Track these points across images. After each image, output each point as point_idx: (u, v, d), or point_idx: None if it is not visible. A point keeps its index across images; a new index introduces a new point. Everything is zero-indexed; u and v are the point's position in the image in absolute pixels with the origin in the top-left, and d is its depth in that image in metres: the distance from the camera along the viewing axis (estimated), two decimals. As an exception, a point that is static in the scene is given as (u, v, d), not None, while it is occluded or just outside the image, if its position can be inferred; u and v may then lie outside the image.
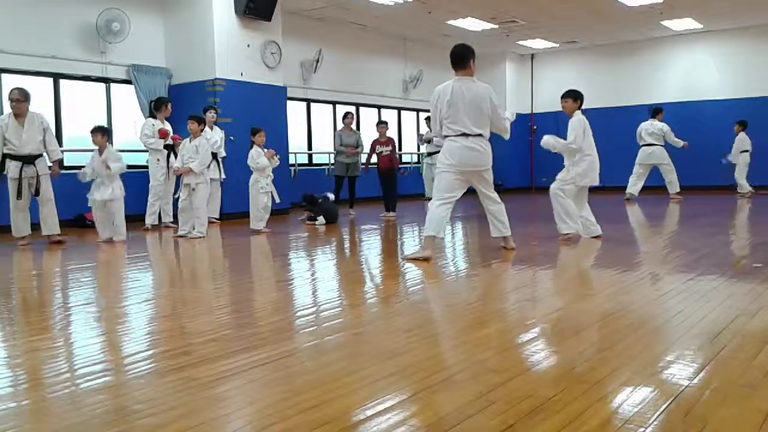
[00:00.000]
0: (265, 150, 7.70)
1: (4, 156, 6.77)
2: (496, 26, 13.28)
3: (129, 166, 7.95)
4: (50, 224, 7.03)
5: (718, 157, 12.84)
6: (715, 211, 9.87)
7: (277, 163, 7.92)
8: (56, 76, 8.94)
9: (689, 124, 13.32)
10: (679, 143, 11.67)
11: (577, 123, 6.32)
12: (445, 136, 5.32)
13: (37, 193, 6.90)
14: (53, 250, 6.69)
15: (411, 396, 2.20)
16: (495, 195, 5.60)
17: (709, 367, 2.42)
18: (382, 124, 10.12)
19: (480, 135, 5.29)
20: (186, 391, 2.28)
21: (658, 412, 1.99)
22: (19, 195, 6.78)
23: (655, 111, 11.88)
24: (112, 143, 7.46)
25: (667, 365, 2.45)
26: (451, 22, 12.81)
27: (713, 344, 2.71)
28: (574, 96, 6.36)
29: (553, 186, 6.37)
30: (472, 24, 13.02)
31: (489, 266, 5.26)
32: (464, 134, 5.25)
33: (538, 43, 15.46)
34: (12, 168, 6.77)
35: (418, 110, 15.03)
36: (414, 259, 5.25)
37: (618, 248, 6.05)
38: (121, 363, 2.76)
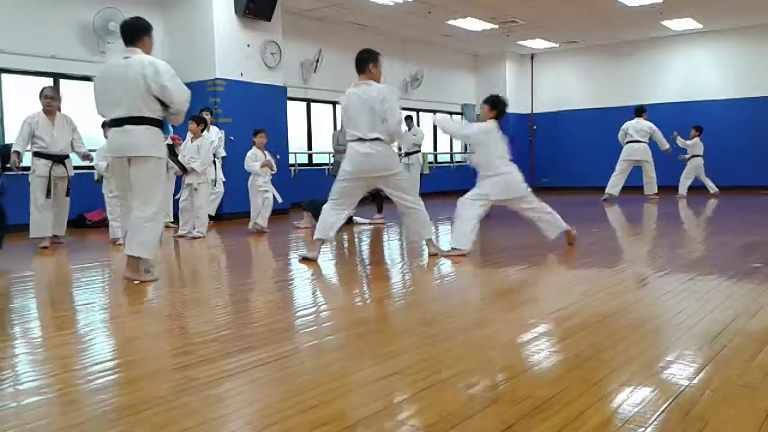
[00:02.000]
0: (266, 156, 7.68)
1: (33, 154, 6.67)
2: (496, 26, 13.28)
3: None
4: (61, 224, 6.98)
5: (716, 156, 12.85)
6: (713, 211, 9.87)
7: (274, 171, 7.96)
8: (56, 76, 8.94)
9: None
10: (666, 145, 11.70)
11: (488, 127, 5.63)
12: (348, 142, 5.28)
13: (67, 193, 6.83)
14: (57, 249, 6.69)
15: (411, 396, 2.20)
16: (411, 200, 5.35)
17: (709, 367, 2.42)
18: None
19: (377, 139, 5.11)
20: (186, 391, 2.28)
21: (658, 412, 1.99)
22: (48, 194, 6.65)
23: (640, 110, 11.90)
24: None
25: (667, 365, 2.45)
26: (451, 22, 12.81)
27: (713, 344, 2.71)
28: (492, 103, 5.67)
29: (463, 198, 5.74)
30: (472, 24, 13.03)
31: (489, 266, 5.26)
32: (360, 139, 5.14)
33: (538, 43, 15.46)
34: (41, 166, 6.65)
35: (418, 110, 15.04)
36: (304, 259, 5.35)
37: (618, 248, 6.05)
38: (121, 363, 2.76)
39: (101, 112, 4.64)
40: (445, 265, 5.22)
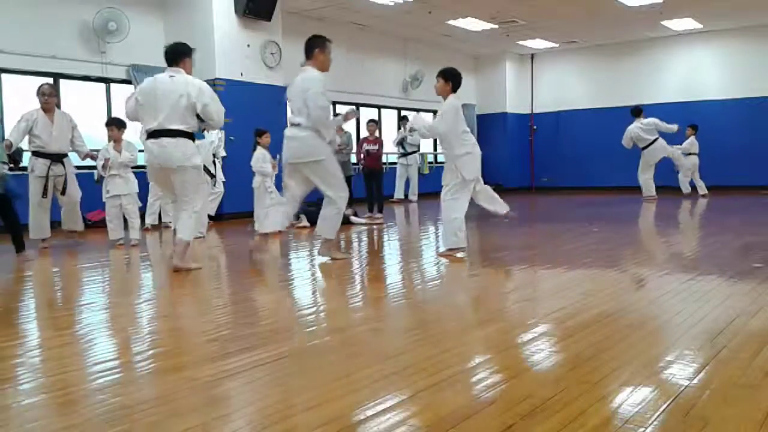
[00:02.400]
0: (271, 160, 7.65)
1: (31, 153, 6.58)
2: (496, 26, 13.28)
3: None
4: (74, 220, 6.94)
5: (716, 156, 12.84)
6: (713, 211, 9.87)
7: (276, 171, 7.95)
8: (56, 76, 8.93)
9: (688, 124, 13.31)
10: (673, 128, 11.70)
11: (449, 107, 5.36)
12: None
13: (63, 192, 6.72)
14: (69, 248, 6.69)
15: (411, 396, 2.20)
16: (332, 193, 5.17)
17: (709, 367, 2.42)
18: (371, 123, 10.11)
19: (299, 125, 5.11)
20: (186, 391, 2.28)
21: (658, 412, 1.99)
22: (44, 193, 6.55)
23: (639, 111, 11.86)
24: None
25: (667, 365, 2.45)
26: (451, 22, 12.82)
27: (713, 344, 2.71)
28: (444, 75, 5.39)
29: (443, 195, 5.50)
30: (472, 24, 13.03)
31: (489, 266, 5.26)
32: (291, 124, 5.24)
33: (538, 43, 15.46)
34: (39, 166, 6.55)
35: (418, 110, 15.02)
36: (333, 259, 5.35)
37: (618, 248, 6.05)
38: (122, 363, 2.76)
39: (137, 119, 5.11)
40: (445, 266, 5.22)
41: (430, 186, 13.18)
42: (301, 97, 5.07)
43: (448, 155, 5.50)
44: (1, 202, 5.73)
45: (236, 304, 4.01)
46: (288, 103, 5.32)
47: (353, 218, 8.59)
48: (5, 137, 6.53)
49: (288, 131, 5.24)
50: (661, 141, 11.70)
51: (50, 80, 8.83)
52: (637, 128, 11.72)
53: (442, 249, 5.62)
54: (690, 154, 12.24)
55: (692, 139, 12.26)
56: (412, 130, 6.11)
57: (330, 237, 5.33)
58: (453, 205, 5.36)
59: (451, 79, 5.39)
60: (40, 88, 6.71)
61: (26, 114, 6.58)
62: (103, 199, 6.90)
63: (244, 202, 7.99)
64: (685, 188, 12.44)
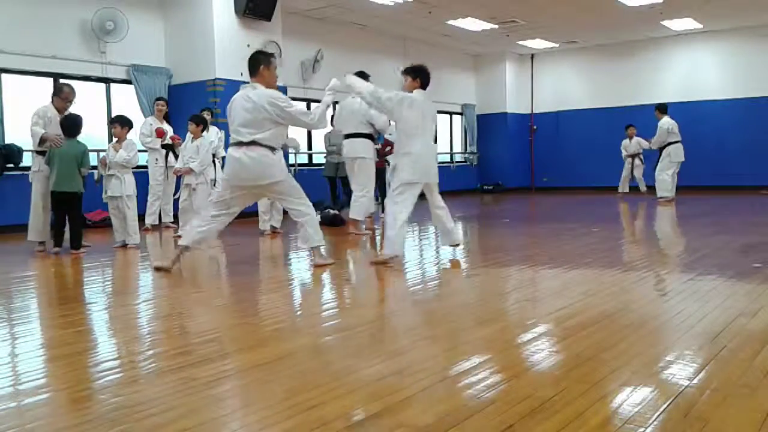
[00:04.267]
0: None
1: (36, 152, 6.44)
2: (496, 26, 13.28)
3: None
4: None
5: (716, 156, 12.84)
6: (713, 211, 9.87)
7: None
8: (56, 76, 8.92)
9: (689, 124, 13.30)
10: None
11: (403, 94, 5.20)
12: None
13: None
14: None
15: (411, 396, 2.20)
16: (297, 205, 5.05)
17: (709, 367, 2.42)
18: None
19: (253, 143, 4.75)
20: (186, 391, 2.28)
21: (658, 412, 1.99)
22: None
23: (666, 107, 11.61)
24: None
25: (667, 365, 2.45)
26: (451, 22, 12.82)
27: (713, 344, 2.71)
28: (410, 72, 5.27)
29: (387, 196, 5.33)
30: (472, 24, 13.03)
31: (489, 266, 5.26)
32: (239, 143, 4.79)
33: (538, 43, 15.46)
34: (46, 166, 6.34)
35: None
36: (158, 269, 5.06)
37: (618, 248, 6.05)
38: (122, 363, 2.76)
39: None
40: (444, 266, 5.22)
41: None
42: (255, 113, 4.73)
43: (396, 153, 5.33)
44: (80, 202, 6.11)
45: (236, 304, 4.01)
46: (231, 121, 4.87)
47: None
48: (39, 133, 6.26)
49: (236, 151, 4.78)
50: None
51: (50, 80, 8.86)
52: (671, 122, 11.30)
53: (380, 255, 5.24)
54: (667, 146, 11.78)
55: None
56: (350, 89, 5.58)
57: (320, 243, 5.15)
58: (393, 208, 5.10)
59: (418, 75, 5.25)
60: (61, 89, 6.54)
61: (40, 111, 6.42)
62: (103, 200, 6.87)
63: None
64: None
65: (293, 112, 4.90)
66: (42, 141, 6.26)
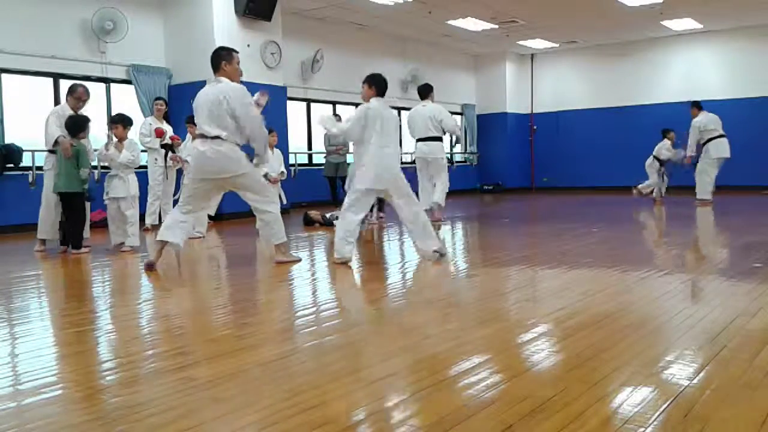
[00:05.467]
0: (272, 177, 7.55)
1: (50, 152, 6.43)
2: (496, 26, 13.28)
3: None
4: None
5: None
6: (713, 210, 9.86)
7: (284, 177, 7.96)
8: (56, 76, 8.93)
9: (689, 124, 13.26)
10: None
11: (357, 111, 5.29)
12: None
13: None
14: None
15: (411, 396, 2.20)
16: (262, 198, 5.11)
17: (709, 367, 2.42)
18: None
19: (218, 138, 4.81)
20: (186, 391, 2.28)
21: (658, 412, 1.99)
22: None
23: (699, 105, 11.04)
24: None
25: (667, 365, 2.45)
26: (451, 22, 12.82)
27: (713, 344, 2.71)
28: (369, 81, 5.40)
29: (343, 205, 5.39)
30: (472, 24, 13.03)
31: (489, 266, 5.26)
32: (202, 136, 4.87)
33: (538, 43, 15.46)
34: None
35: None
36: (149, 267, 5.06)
37: (618, 248, 6.05)
38: (122, 363, 2.76)
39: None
40: (444, 266, 5.22)
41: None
42: (218, 108, 4.81)
43: (355, 161, 5.46)
44: (81, 202, 6.18)
45: (236, 304, 4.01)
46: (197, 115, 4.94)
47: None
48: (56, 136, 6.26)
49: (202, 145, 4.84)
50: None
51: (50, 80, 8.86)
52: (705, 119, 10.73)
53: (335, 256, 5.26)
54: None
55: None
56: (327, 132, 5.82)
57: (282, 240, 5.25)
58: (344, 213, 5.22)
59: (374, 84, 5.36)
60: (76, 90, 6.55)
61: (59, 110, 6.48)
62: (104, 201, 6.80)
63: (244, 202, 7.97)
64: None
65: (250, 112, 4.96)
66: (55, 142, 6.28)
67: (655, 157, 11.45)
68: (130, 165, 6.51)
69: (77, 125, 6.32)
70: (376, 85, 5.35)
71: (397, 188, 5.26)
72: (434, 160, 8.41)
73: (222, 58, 5.05)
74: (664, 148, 11.39)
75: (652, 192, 11.59)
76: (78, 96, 6.53)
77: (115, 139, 6.54)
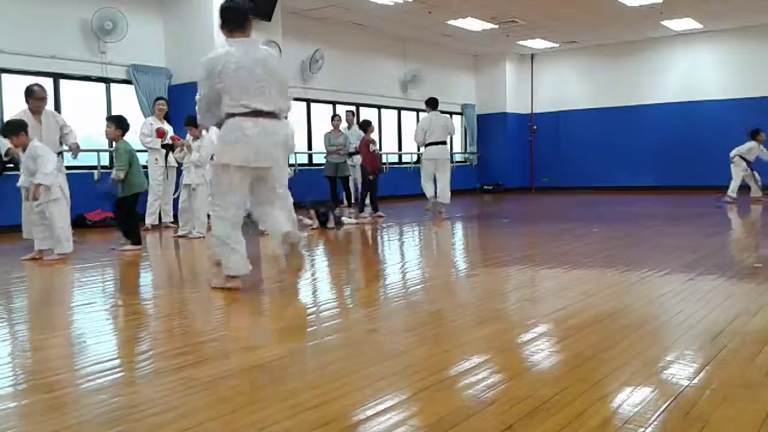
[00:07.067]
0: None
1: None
2: (496, 26, 13.28)
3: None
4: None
5: (716, 156, 12.73)
6: (713, 211, 9.86)
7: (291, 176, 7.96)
8: (56, 76, 8.94)
9: (689, 124, 13.32)
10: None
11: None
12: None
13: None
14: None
15: (411, 396, 2.20)
16: (286, 190, 4.81)
17: (709, 367, 2.42)
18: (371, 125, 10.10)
19: (273, 115, 4.16)
20: (186, 391, 2.28)
21: (658, 412, 1.99)
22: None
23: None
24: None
25: (667, 365, 2.45)
26: (451, 22, 12.82)
27: (713, 344, 2.71)
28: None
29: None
30: (472, 24, 13.03)
31: (489, 266, 5.26)
32: (255, 113, 4.07)
33: (538, 43, 15.46)
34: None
35: (417, 110, 15.04)
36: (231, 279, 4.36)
37: (618, 248, 6.05)
38: (122, 363, 2.76)
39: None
40: (444, 266, 5.22)
41: (389, 188, 12.55)
42: (275, 78, 4.12)
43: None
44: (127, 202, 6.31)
45: (236, 304, 4.01)
46: (232, 86, 3.99)
47: (344, 219, 8.57)
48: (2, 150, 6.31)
49: (255, 125, 3.97)
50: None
51: (50, 80, 8.86)
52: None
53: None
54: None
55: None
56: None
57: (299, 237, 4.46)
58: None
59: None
60: (32, 90, 6.48)
61: (22, 114, 6.44)
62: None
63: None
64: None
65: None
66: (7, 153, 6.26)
67: (741, 157, 11.36)
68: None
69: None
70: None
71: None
72: (445, 161, 9.73)
73: (248, 18, 4.11)
74: (756, 150, 11.32)
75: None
76: (37, 96, 6.47)
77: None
